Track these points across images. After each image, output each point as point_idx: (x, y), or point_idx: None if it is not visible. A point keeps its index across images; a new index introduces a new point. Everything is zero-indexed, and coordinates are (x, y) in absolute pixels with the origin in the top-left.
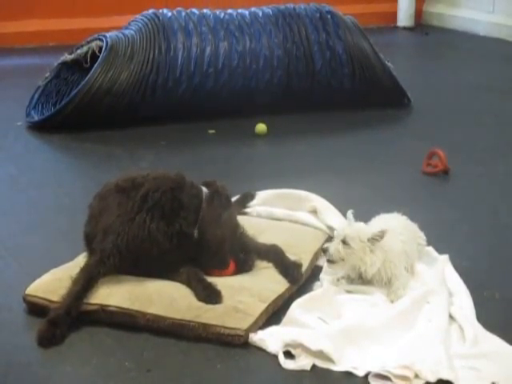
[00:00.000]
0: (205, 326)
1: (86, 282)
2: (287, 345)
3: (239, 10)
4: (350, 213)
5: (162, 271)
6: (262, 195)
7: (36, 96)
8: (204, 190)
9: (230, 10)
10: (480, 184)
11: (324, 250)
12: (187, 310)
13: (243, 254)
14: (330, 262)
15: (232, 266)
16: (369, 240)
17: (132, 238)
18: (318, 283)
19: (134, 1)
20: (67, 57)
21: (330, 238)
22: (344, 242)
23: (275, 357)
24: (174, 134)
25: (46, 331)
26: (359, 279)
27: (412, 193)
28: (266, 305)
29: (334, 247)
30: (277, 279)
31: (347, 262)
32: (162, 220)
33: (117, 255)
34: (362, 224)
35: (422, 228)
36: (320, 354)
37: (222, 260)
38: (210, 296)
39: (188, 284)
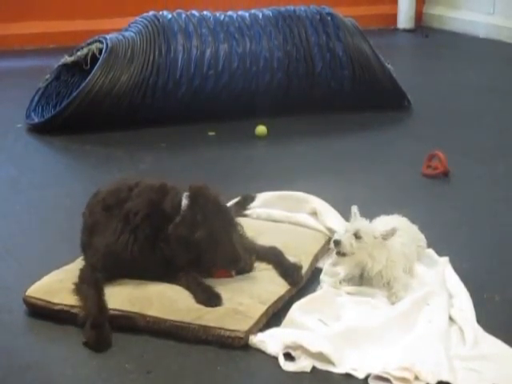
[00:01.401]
0: (205, 327)
1: (93, 286)
2: (287, 346)
3: (239, 12)
4: (354, 208)
5: (155, 279)
6: (261, 197)
7: (36, 98)
8: (184, 202)
9: (230, 12)
10: (480, 186)
11: (336, 243)
12: (187, 312)
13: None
14: (339, 254)
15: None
16: (382, 236)
17: (117, 259)
18: (318, 285)
19: (134, 3)
20: (67, 59)
21: (330, 240)
22: (356, 235)
23: (275, 358)
24: (174, 136)
25: (94, 336)
26: (360, 278)
27: (412, 194)
28: (266, 307)
29: (348, 240)
30: (277, 281)
31: (356, 257)
32: (144, 241)
33: (106, 272)
34: (367, 220)
35: (422, 230)
36: (320, 356)
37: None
38: (210, 299)
39: (187, 288)
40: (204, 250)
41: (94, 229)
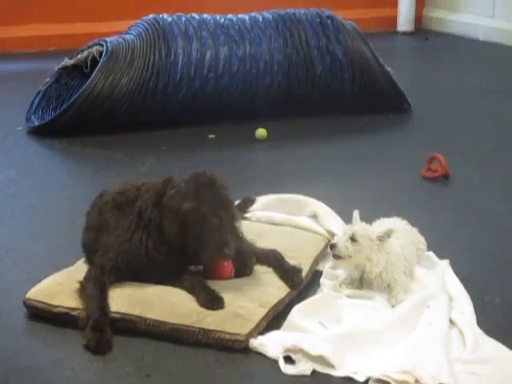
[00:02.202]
0: (205, 331)
1: (99, 287)
2: (287, 350)
3: (239, 15)
4: (356, 212)
5: (162, 280)
6: (262, 200)
7: (36, 101)
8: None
9: (230, 15)
10: (480, 188)
11: (332, 246)
12: (187, 315)
13: (242, 258)
14: (336, 257)
15: (227, 269)
16: (378, 238)
17: (131, 257)
18: (318, 288)
19: (135, 6)
20: (67, 62)
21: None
22: (352, 238)
23: (275, 362)
24: (174, 139)
25: (95, 338)
26: (360, 280)
27: (412, 197)
28: (266, 310)
29: (343, 243)
30: (277, 284)
31: (353, 260)
32: (157, 235)
33: (117, 272)
34: (367, 224)
35: (422, 232)
36: (320, 359)
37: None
38: (212, 301)
39: (191, 290)
40: (190, 224)
41: (103, 228)
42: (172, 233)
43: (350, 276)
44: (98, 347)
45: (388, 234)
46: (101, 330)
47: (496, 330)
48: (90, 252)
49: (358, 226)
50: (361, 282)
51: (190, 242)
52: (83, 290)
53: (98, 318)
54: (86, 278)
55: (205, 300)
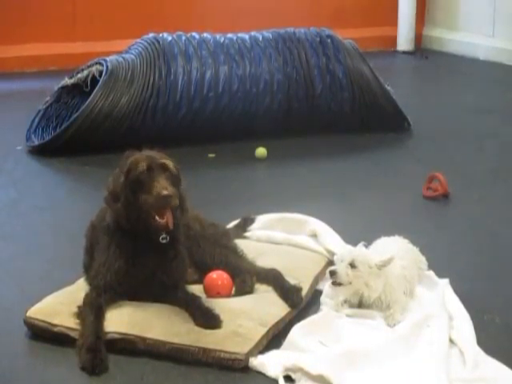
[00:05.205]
0: (204, 350)
1: (94, 311)
2: (287, 369)
3: (239, 34)
4: (361, 245)
5: (160, 294)
6: (261, 219)
7: (36, 120)
8: None
9: (230, 34)
10: (480, 208)
11: (332, 273)
12: (187, 335)
13: (242, 277)
14: (336, 284)
15: (227, 287)
16: (377, 266)
17: (118, 272)
18: (318, 307)
19: (134, 25)
20: (67, 81)
21: (330, 262)
22: (352, 265)
23: (275, 381)
24: (173, 158)
25: (90, 360)
26: (358, 304)
27: (412, 216)
28: (266, 329)
29: (344, 270)
30: (277, 303)
31: (352, 286)
32: (131, 245)
33: (111, 291)
34: (364, 248)
35: (422, 251)
36: (320, 378)
37: None
38: (209, 321)
39: (186, 309)
40: (132, 177)
41: (92, 251)
42: (119, 186)
43: (349, 300)
44: (94, 368)
45: (389, 262)
46: (95, 352)
47: (496, 349)
48: (88, 273)
49: (358, 252)
50: (361, 303)
51: (138, 199)
52: (80, 315)
53: (92, 341)
54: (83, 302)
55: (201, 320)
